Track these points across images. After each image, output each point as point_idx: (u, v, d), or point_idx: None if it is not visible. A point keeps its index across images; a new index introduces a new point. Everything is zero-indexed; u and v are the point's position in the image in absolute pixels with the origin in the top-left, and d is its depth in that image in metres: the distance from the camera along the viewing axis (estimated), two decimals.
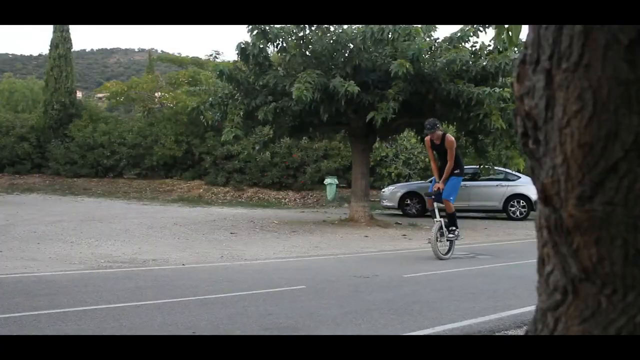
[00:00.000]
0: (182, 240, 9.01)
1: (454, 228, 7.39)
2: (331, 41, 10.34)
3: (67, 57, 20.95)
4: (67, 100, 20.87)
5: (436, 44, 11.17)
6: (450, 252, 7.38)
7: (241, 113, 10.58)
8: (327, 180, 16.98)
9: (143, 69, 36.56)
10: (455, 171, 7.39)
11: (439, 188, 7.20)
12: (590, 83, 0.78)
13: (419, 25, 10.29)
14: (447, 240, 7.33)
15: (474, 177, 14.17)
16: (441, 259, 7.12)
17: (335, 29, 10.39)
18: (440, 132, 7.35)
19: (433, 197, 7.34)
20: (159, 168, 20.10)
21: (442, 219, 7.21)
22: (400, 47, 10.11)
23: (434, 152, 7.64)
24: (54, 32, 20.70)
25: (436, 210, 7.25)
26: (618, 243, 0.77)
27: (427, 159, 17.64)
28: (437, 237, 7.16)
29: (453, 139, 7.46)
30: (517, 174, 13.59)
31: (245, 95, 10.89)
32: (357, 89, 9.59)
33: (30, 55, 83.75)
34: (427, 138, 7.42)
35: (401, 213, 14.30)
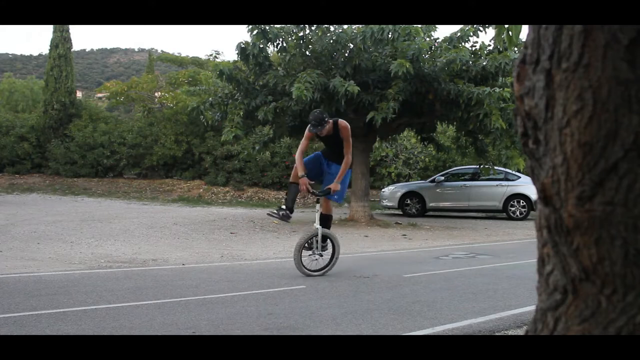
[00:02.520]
0: (182, 240, 9.01)
1: (281, 207, 5.98)
2: (331, 41, 10.34)
3: (67, 57, 20.96)
4: (67, 100, 20.88)
5: (436, 44, 11.18)
6: (329, 267, 5.93)
7: (241, 113, 10.59)
8: None
9: (143, 69, 36.56)
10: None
11: (329, 189, 5.71)
12: (590, 83, 0.78)
13: (419, 25, 10.29)
14: (324, 252, 5.91)
15: (474, 177, 14.18)
16: (308, 275, 5.75)
17: (335, 29, 10.40)
18: (330, 123, 5.73)
19: (317, 193, 5.84)
20: (159, 168, 20.11)
21: (320, 227, 5.79)
22: (400, 47, 10.12)
23: (320, 143, 6.00)
24: (54, 32, 20.71)
25: (317, 215, 5.85)
26: (618, 243, 0.77)
27: (427, 159, 17.72)
28: (303, 247, 5.74)
29: (347, 124, 5.77)
30: (517, 174, 13.60)
31: (245, 95, 10.90)
32: (357, 88, 9.60)
33: (30, 55, 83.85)
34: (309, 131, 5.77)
35: (401, 213, 14.31)
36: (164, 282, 5.49)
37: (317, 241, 5.78)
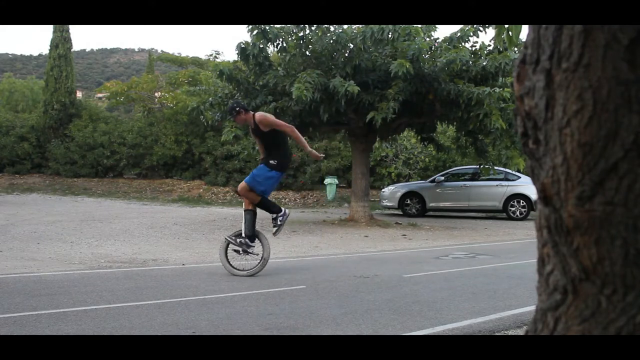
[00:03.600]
0: (182, 240, 9.01)
1: (275, 216, 6.16)
2: (331, 41, 10.34)
3: (67, 57, 20.96)
4: (67, 100, 20.88)
5: (436, 44, 11.18)
6: (258, 268, 5.88)
7: None
8: (327, 180, 16.99)
9: (143, 69, 36.57)
10: (271, 162, 5.70)
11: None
12: (590, 83, 0.78)
13: (419, 25, 10.29)
14: (253, 251, 5.99)
15: (474, 177, 14.18)
16: (235, 274, 5.83)
17: (335, 29, 10.40)
18: (249, 115, 5.72)
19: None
20: (159, 168, 20.11)
21: (231, 236, 6.03)
22: (400, 47, 10.11)
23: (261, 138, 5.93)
24: (54, 32, 20.71)
25: (244, 222, 6.07)
26: (618, 243, 0.77)
27: (427, 159, 17.73)
28: (226, 251, 5.95)
29: (265, 115, 5.75)
30: (517, 174, 13.60)
31: (245, 95, 10.90)
32: (357, 89, 9.59)
33: (30, 55, 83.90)
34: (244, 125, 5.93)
35: (401, 213, 14.31)
36: (164, 282, 5.49)
37: (242, 243, 5.94)
